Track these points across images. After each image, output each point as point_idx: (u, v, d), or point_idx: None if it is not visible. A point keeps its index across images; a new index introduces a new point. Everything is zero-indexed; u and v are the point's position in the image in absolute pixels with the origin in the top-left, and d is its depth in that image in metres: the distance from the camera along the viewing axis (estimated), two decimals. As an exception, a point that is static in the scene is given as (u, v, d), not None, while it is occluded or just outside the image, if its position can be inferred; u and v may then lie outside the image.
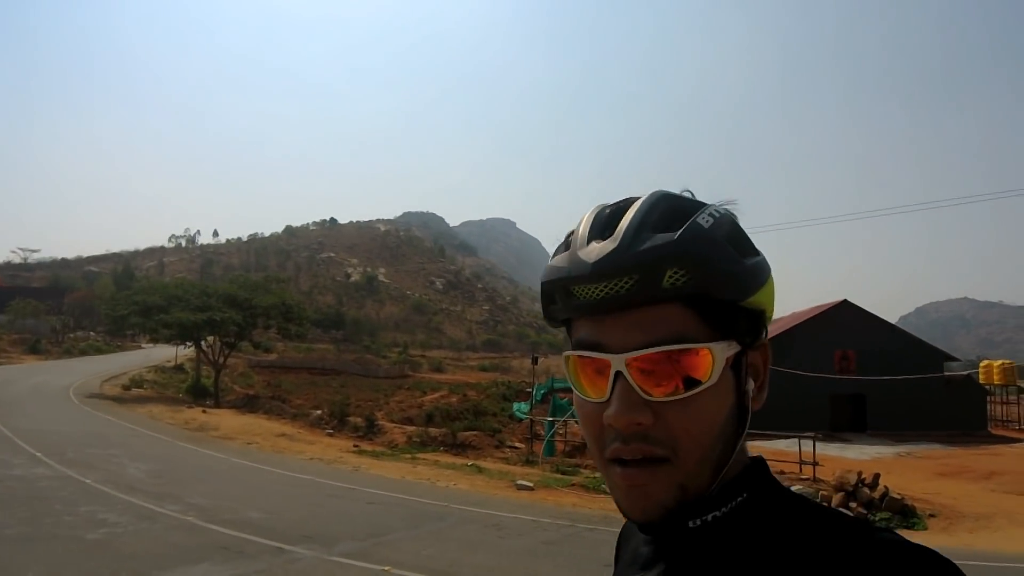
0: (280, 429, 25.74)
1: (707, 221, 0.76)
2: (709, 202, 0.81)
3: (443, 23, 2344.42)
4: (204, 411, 30.57)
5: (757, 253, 0.81)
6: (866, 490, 15.03)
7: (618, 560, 0.97)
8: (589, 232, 0.78)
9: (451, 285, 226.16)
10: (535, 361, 31.59)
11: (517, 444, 23.64)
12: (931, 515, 14.70)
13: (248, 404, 34.05)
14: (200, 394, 38.26)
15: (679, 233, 0.73)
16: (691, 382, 0.73)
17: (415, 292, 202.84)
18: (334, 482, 15.47)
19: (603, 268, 0.73)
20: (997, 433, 35.24)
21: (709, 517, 0.77)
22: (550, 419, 23.36)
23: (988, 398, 37.77)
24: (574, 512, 13.59)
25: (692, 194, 0.82)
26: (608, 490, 0.80)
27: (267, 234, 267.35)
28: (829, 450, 23.48)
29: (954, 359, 40.73)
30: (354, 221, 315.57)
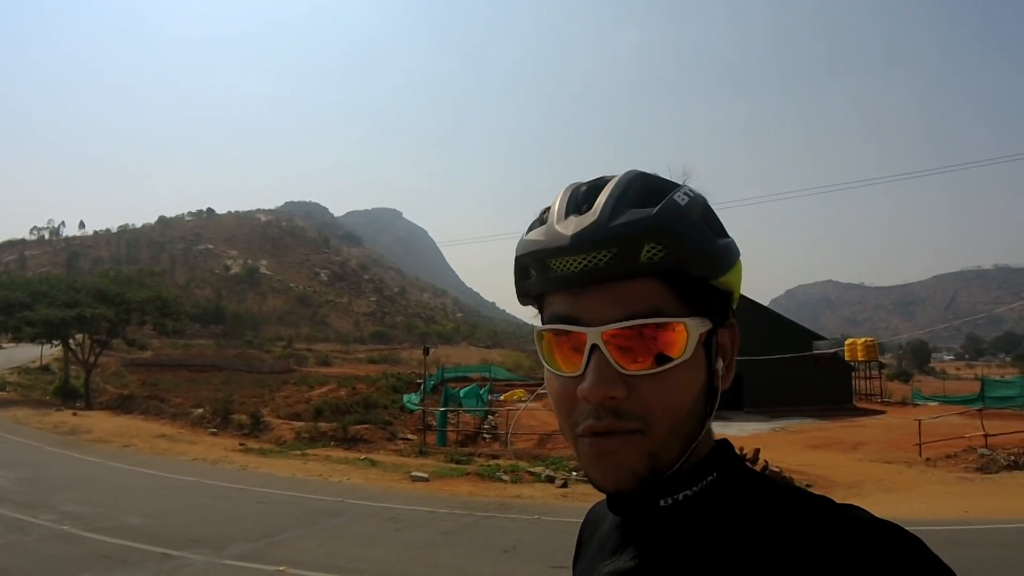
0: (159, 430, 24.76)
1: (683, 199, 0.76)
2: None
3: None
4: (75, 413, 29.14)
5: (727, 235, 0.82)
6: (747, 464, 15.80)
7: (580, 549, 0.95)
8: (566, 207, 0.78)
9: (337, 276, 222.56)
10: (427, 351, 31.44)
11: (410, 436, 23.51)
12: (808, 485, 15.55)
13: (123, 405, 32.66)
14: (69, 396, 36.35)
15: (657, 209, 0.73)
16: (665, 357, 0.73)
17: (299, 284, 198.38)
18: (221, 483, 14.97)
19: (581, 241, 0.73)
20: (861, 406, 37.97)
21: (680, 496, 0.77)
22: (442, 409, 23.38)
23: (853, 373, 40.60)
24: (470, 500, 13.65)
25: (657, 175, 0.82)
26: (577, 463, 0.79)
27: (139, 225, 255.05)
28: (711, 428, 24.45)
29: (821, 338, 43.48)
30: (233, 211, 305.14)
